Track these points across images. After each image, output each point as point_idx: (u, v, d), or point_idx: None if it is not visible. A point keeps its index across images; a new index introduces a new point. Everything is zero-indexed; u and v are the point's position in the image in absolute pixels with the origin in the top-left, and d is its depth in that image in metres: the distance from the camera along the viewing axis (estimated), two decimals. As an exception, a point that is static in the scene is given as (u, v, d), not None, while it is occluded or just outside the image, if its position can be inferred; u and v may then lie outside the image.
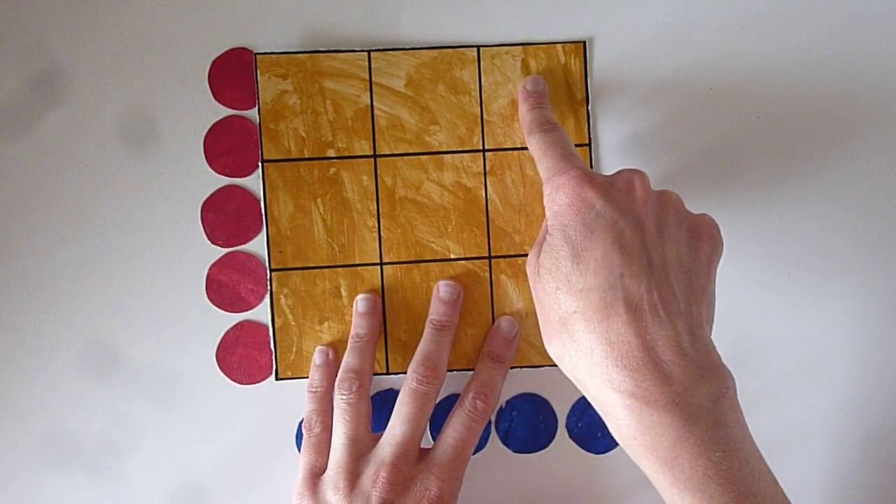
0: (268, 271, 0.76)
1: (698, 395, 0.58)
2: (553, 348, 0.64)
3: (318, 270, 0.75)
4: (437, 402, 0.73)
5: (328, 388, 0.74)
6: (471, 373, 0.76)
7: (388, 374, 0.76)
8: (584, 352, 0.60)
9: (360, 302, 0.76)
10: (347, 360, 0.74)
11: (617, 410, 0.59)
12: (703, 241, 0.64)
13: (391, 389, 0.77)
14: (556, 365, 0.74)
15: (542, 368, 0.76)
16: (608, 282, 0.60)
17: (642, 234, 0.62)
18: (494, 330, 0.76)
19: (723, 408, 0.59)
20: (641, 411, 0.58)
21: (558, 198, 0.64)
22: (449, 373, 0.75)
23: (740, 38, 0.77)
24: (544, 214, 0.73)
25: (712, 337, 0.63)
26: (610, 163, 0.76)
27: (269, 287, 0.76)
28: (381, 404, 0.77)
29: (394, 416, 0.71)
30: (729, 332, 0.76)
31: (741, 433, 0.59)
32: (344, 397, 0.71)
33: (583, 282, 0.60)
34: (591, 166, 0.76)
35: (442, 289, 0.75)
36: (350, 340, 0.75)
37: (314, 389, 0.74)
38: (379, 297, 0.76)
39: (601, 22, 0.76)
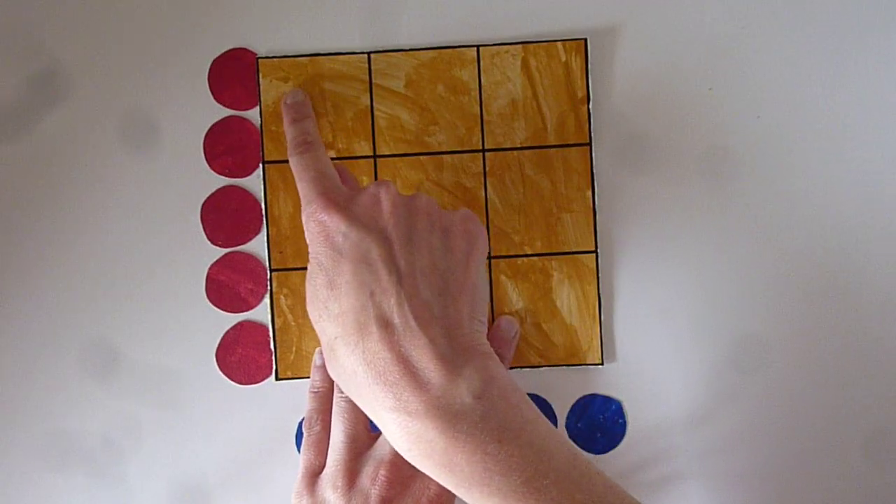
0: (268, 271, 0.76)
1: (458, 394, 0.59)
2: (331, 372, 0.65)
3: (317, 271, 0.75)
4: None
5: (329, 389, 0.74)
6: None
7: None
8: (350, 374, 0.62)
9: None
10: None
11: (389, 426, 0.60)
12: (457, 238, 0.65)
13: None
14: (559, 365, 0.74)
15: (542, 368, 0.76)
16: (360, 302, 0.61)
17: (389, 248, 0.62)
18: (494, 330, 0.75)
19: (489, 399, 0.59)
20: (406, 423, 0.59)
21: (309, 226, 0.65)
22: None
23: (740, 38, 0.76)
24: (544, 219, 0.74)
25: None
26: (609, 163, 0.76)
27: (268, 287, 0.76)
28: (381, 404, 0.77)
29: None
30: (729, 332, 0.76)
31: (517, 418, 0.60)
32: (342, 395, 0.71)
33: (338, 306, 0.62)
34: (591, 166, 0.75)
35: None
36: None
37: (315, 390, 0.74)
38: None
39: (602, 19, 0.76)
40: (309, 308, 0.65)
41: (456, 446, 0.58)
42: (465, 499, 0.60)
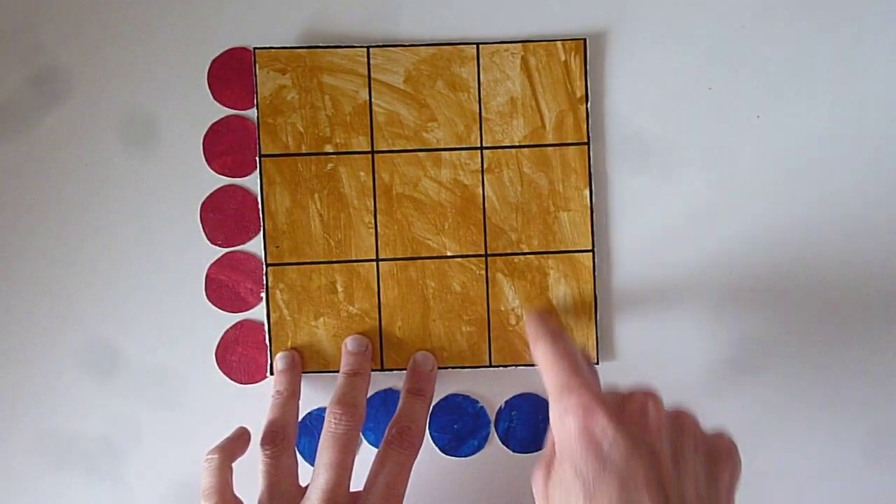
0: (264, 266, 0.76)
1: None
2: None
3: (314, 266, 0.75)
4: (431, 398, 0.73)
5: (225, 459, 0.72)
6: (466, 370, 0.76)
7: (382, 370, 0.76)
8: None
9: (278, 360, 0.76)
10: (269, 416, 0.72)
11: None
12: (721, 467, 0.60)
13: (390, 389, 0.77)
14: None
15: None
16: None
17: (658, 469, 0.57)
18: (411, 366, 0.76)
19: None
20: None
21: (567, 422, 0.59)
22: (443, 370, 0.76)
23: (740, 38, 0.76)
24: (542, 217, 0.74)
25: None
26: (608, 162, 0.76)
27: (264, 282, 0.76)
28: (381, 404, 0.77)
29: (316, 464, 0.69)
30: (729, 333, 0.76)
31: None
32: (267, 452, 0.70)
33: None
34: (589, 165, 0.76)
35: (349, 343, 0.75)
36: (271, 398, 0.74)
37: (210, 457, 0.72)
38: (297, 353, 0.76)
39: (601, 19, 0.76)
40: None
41: None
42: None
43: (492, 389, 0.77)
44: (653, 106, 0.76)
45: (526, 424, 0.77)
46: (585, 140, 0.76)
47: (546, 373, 0.64)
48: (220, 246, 0.76)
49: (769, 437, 0.72)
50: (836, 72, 0.77)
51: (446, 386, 0.76)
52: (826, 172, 0.77)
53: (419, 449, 0.71)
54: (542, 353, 0.66)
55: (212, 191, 0.76)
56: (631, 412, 0.59)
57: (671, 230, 0.76)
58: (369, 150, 0.75)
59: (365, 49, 0.75)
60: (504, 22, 0.76)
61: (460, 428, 0.77)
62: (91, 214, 0.76)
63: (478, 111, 0.75)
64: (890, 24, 0.77)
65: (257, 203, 0.76)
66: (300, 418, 0.75)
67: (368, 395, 0.75)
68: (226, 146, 0.76)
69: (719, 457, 0.60)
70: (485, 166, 0.75)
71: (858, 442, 0.77)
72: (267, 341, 0.76)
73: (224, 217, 0.76)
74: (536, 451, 0.77)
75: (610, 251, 0.76)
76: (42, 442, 0.76)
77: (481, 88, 0.75)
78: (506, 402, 0.77)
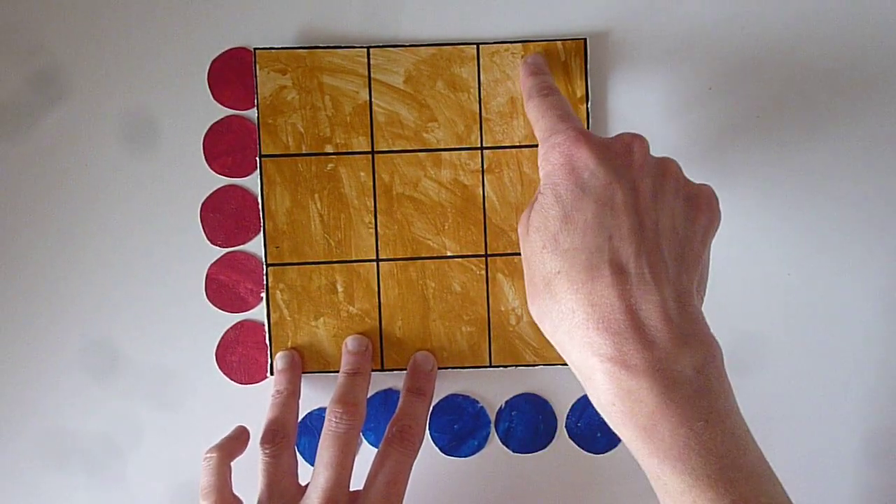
0: (264, 266, 0.76)
1: (681, 362, 0.56)
2: (535, 309, 0.62)
3: (314, 266, 0.75)
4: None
5: (223, 458, 0.72)
6: (466, 371, 0.76)
7: (382, 370, 0.76)
8: (566, 313, 0.59)
9: (278, 359, 0.76)
10: (269, 415, 0.72)
11: (596, 375, 0.57)
12: (700, 211, 0.63)
13: (390, 389, 0.77)
14: (554, 364, 0.74)
15: (541, 368, 0.76)
16: (595, 243, 0.58)
17: (636, 198, 0.60)
18: (412, 365, 0.76)
19: (707, 377, 0.57)
20: (620, 376, 0.56)
21: (552, 157, 0.62)
22: (443, 370, 0.76)
23: (740, 38, 0.76)
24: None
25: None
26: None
27: (265, 282, 0.76)
28: (381, 404, 0.77)
29: (316, 463, 0.69)
30: (729, 332, 0.76)
31: (726, 404, 0.58)
32: (267, 450, 0.70)
33: (570, 242, 0.59)
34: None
35: (350, 343, 0.76)
36: (271, 397, 0.74)
37: (209, 455, 0.72)
38: (297, 353, 0.76)
39: (601, 20, 0.76)
40: (532, 236, 0.62)
41: (664, 413, 0.55)
42: (651, 470, 0.57)
43: (492, 389, 0.77)
44: (653, 106, 0.76)
45: (526, 424, 0.77)
46: (586, 140, 0.76)
47: (537, 121, 0.67)
48: (220, 246, 0.76)
49: (769, 436, 0.71)
50: (837, 71, 0.77)
51: (446, 386, 0.76)
52: (827, 171, 0.77)
53: (419, 448, 0.71)
54: (534, 105, 0.69)
55: (212, 191, 0.76)
56: (615, 150, 0.62)
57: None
58: (369, 150, 0.75)
59: (365, 49, 0.75)
60: (504, 22, 0.76)
61: (460, 428, 0.77)
62: (91, 214, 0.76)
63: (478, 111, 0.75)
64: (892, 23, 0.77)
65: (257, 203, 0.76)
66: (300, 418, 0.76)
67: (369, 395, 0.75)
68: (226, 146, 0.76)
69: (699, 201, 0.63)
70: (485, 166, 0.75)
71: (858, 442, 0.77)
72: (267, 341, 0.76)
73: (224, 217, 0.76)
74: (536, 451, 0.78)
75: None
76: (43, 442, 0.76)
77: (481, 88, 0.75)
78: (506, 402, 0.77)
